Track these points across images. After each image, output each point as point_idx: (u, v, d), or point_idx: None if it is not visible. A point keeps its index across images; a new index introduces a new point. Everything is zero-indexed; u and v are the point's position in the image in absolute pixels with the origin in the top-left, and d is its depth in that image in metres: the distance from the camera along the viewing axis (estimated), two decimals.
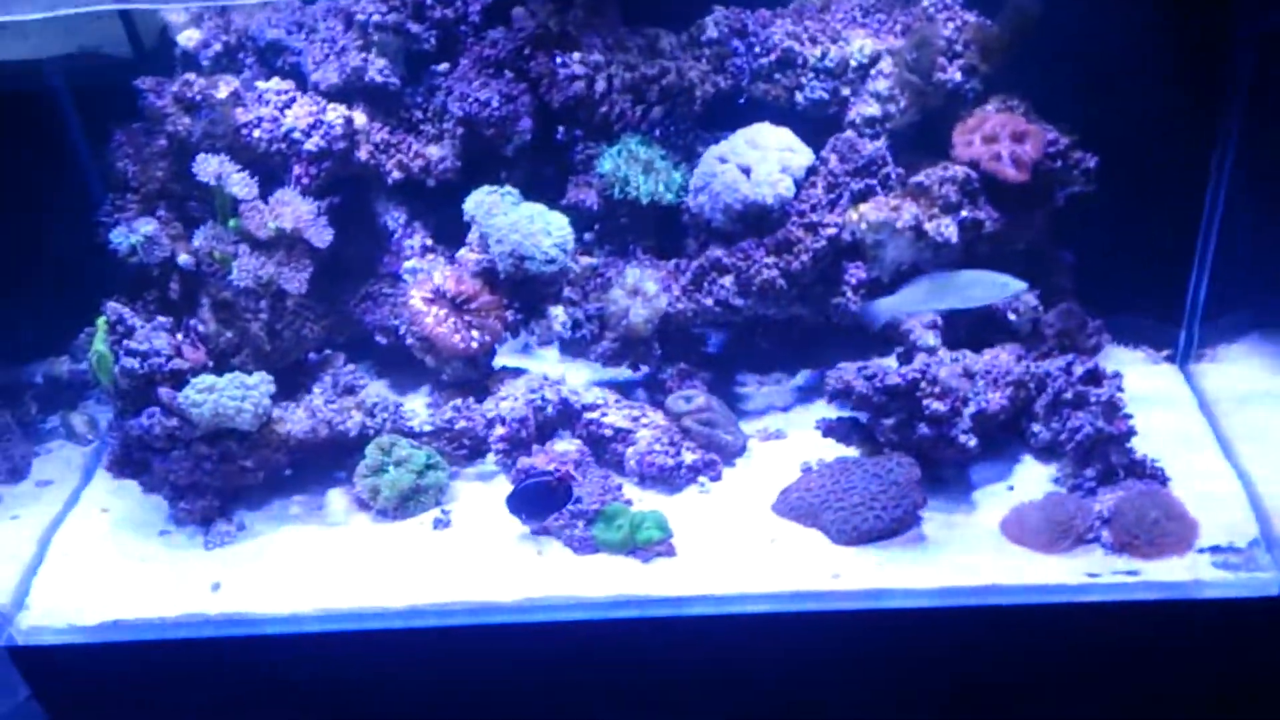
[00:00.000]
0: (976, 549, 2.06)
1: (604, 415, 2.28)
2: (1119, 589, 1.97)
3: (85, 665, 2.14)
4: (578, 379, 2.52)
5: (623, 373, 2.53)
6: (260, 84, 2.24)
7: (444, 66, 2.42)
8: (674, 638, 2.07)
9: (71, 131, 2.48)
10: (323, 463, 2.37)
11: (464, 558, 2.16)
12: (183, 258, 2.19)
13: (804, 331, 2.48)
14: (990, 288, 2.04)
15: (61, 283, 2.56)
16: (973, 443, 2.07)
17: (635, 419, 2.28)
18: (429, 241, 2.50)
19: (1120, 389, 2.06)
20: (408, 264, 2.45)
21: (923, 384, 2.03)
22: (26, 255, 2.54)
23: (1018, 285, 2.07)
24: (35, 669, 2.16)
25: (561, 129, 2.48)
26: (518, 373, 2.43)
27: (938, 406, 2.03)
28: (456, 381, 2.42)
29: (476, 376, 2.41)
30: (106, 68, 2.46)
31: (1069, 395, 2.07)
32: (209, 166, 2.12)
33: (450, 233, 2.57)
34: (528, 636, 2.08)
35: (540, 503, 2.17)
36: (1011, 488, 2.17)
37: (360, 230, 2.40)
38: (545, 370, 2.53)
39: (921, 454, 2.11)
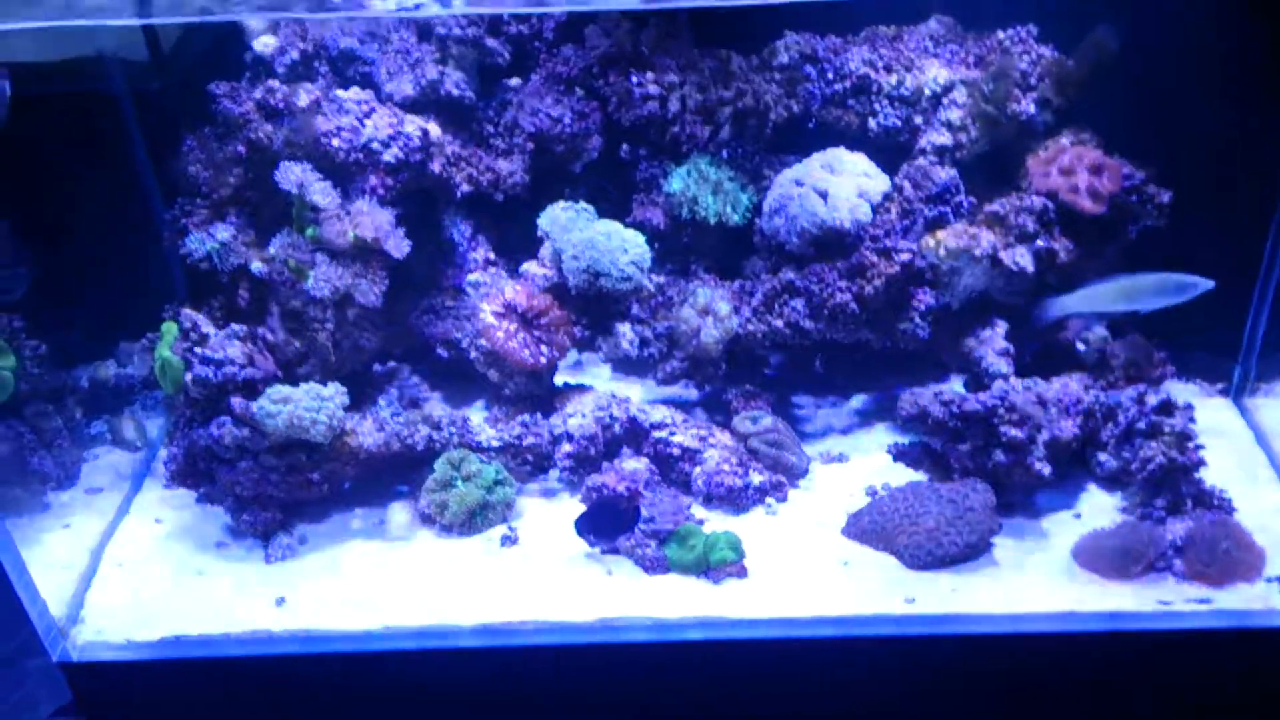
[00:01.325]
0: (1049, 575, 2.10)
1: (672, 434, 2.29)
2: (1192, 617, 2.01)
3: (142, 682, 2.12)
4: (633, 397, 2.53)
5: (680, 391, 2.56)
6: (341, 93, 2.25)
7: (516, 81, 2.45)
8: (746, 660, 2.08)
9: (130, 133, 2.46)
10: (384, 476, 2.37)
11: (533, 576, 2.17)
12: (256, 265, 2.18)
13: (863, 355, 2.50)
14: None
15: (107, 285, 2.53)
16: (1047, 470, 2.10)
17: (703, 439, 2.30)
18: (491, 255, 2.51)
19: (1192, 420, 2.11)
20: (471, 276, 2.46)
21: (1000, 410, 2.07)
22: (73, 257, 2.52)
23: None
24: (89, 685, 2.14)
25: (626, 147, 2.50)
26: (582, 389, 2.45)
27: (1015, 433, 2.06)
28: (518, 396, 2.43)
29: (539, 392, 2.42)
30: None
31: (1142, 425, 2.11)
32: (292, 174, 2.12)
33: (510, 246, 2.60)
34: (600, 656, 2.09)
35: (609, 523, 2.18)
36: (1079, 515, 2.21)
37: (423, 241, 2.40)
38: (598, 386, 2.55)
39: (993, 480, 2.14)
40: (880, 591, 2.08)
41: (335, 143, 2.22)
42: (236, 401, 2.11)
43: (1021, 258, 2.15)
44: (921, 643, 2.05)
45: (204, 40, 2.40)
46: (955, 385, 2.51)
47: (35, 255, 2.37)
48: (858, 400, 2.58)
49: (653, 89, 2.34)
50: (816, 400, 2.59)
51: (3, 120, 1.98)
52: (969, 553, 2.10)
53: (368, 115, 2.24)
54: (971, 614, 2.03)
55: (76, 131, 2.40)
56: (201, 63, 2.42)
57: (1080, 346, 2.27)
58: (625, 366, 2.67)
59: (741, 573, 2.13)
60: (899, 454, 2.27)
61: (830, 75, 2.38)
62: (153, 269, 2.60)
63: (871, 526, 2.16)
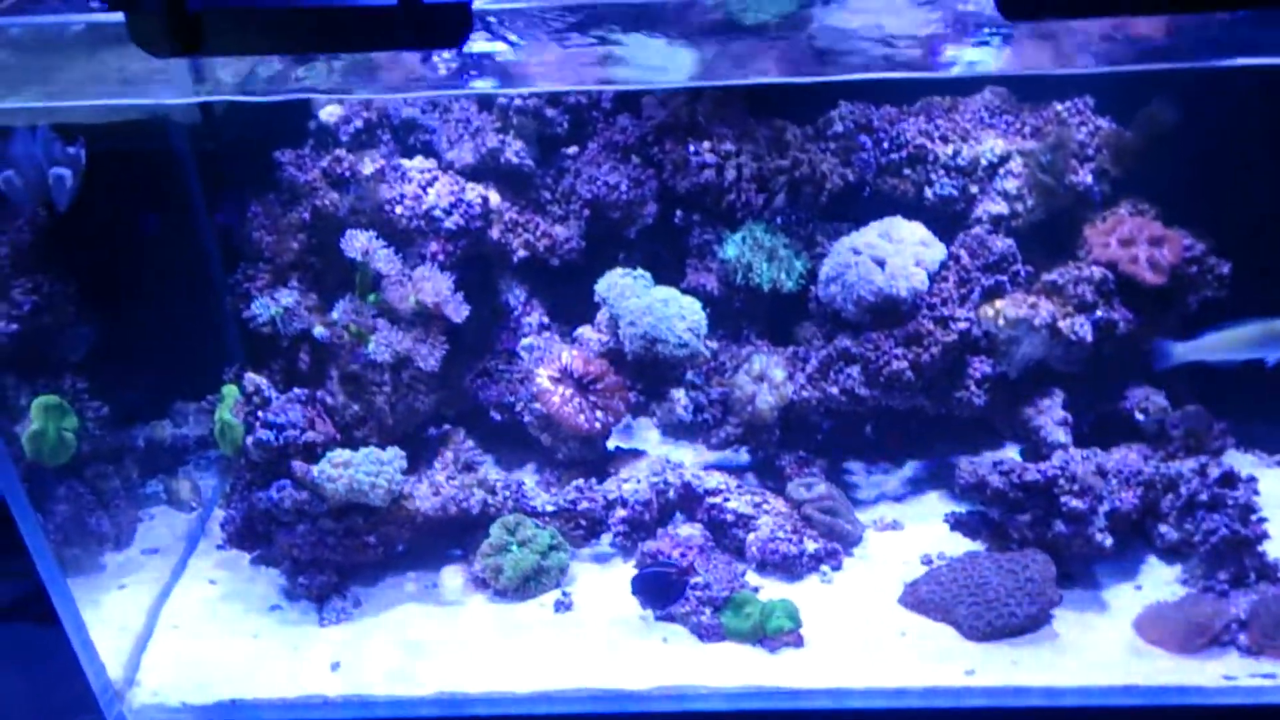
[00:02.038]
0: (1111, 648, 2.08)
1: (726, 500, 2.30)
2: (1258, 692, 1.99)
3: None
4: (683, 462, 2.53)
5: (731, 456, 2.57)
6: (405, 162, 2.30)
7: (573, 150, 2.50)
8: None
9: (191, 196, 2.52)
10: (436, 539, 2.38)
11: (588, 642, 2.18)
12: (318, 330, 2.22)
13: (916, 422, 2.51)
14: None
15: (163, 346, 2.57)
16: (1109, 542, 2.10)
17: (757, 505, 2.31)
18: (545, 319, 2.55)
19: (1256, 492, 2.10)
20: (525, 341, 2.49)
21: (1061, 480, 2.07)
22: (131, 317, 2.56)
23: None
24: None
25: (680, 213, 2.54)
26: (635, 454, 2.46)
27: (1076, 504, 2.06)
28: (571, 461, 2.44)
29: (592, 457, 2.45)
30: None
31: (1204, 497, 2.10)
32: (357, 241, 2.17)
33: (564, 311, 2.64)
34: None
35: (660, 590, 2.18)
36: (1139, 587, 2.20)
37: (478, 306, 2.44)
38: (648, 451, 2.57)
39: (1052, 551, 2.13)
40: (939, 662, 2.07)
41: (398, 210, 2.27)
42: (297, 465, 2.14)
43: (1081, 327, 2.16)
44: (982, 715, 2.03)
45: (267, 106, 2.46)
46: (1009, 453, 2.51)
47: (95, 315, 2.42)
48: (909, 467, 2.59)
49: (709, 157, 2.38)
50: (868, 467, 2.60)
51: (77, 187, 2.03)
52: (1029, 624, 2.09)
53: (430, 183, 2.29)
54: (1034, 686, 2.01)
55: (138, 193, 2.46)
56: (264, 127, 2.48)
57: (1140, 416, 2.27)
58: (674, 431, 2.69)
59: (798, 641, 2.12)
60: (956, 523, 2.27)
61: (886, 145, 2.43)
62: (208, 330, 2.65)
63: (930, 596, 2.15)
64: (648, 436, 2.70)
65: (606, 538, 2.39)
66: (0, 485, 1.83)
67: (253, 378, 2.13)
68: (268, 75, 1.72)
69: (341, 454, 2.13)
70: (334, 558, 2.22)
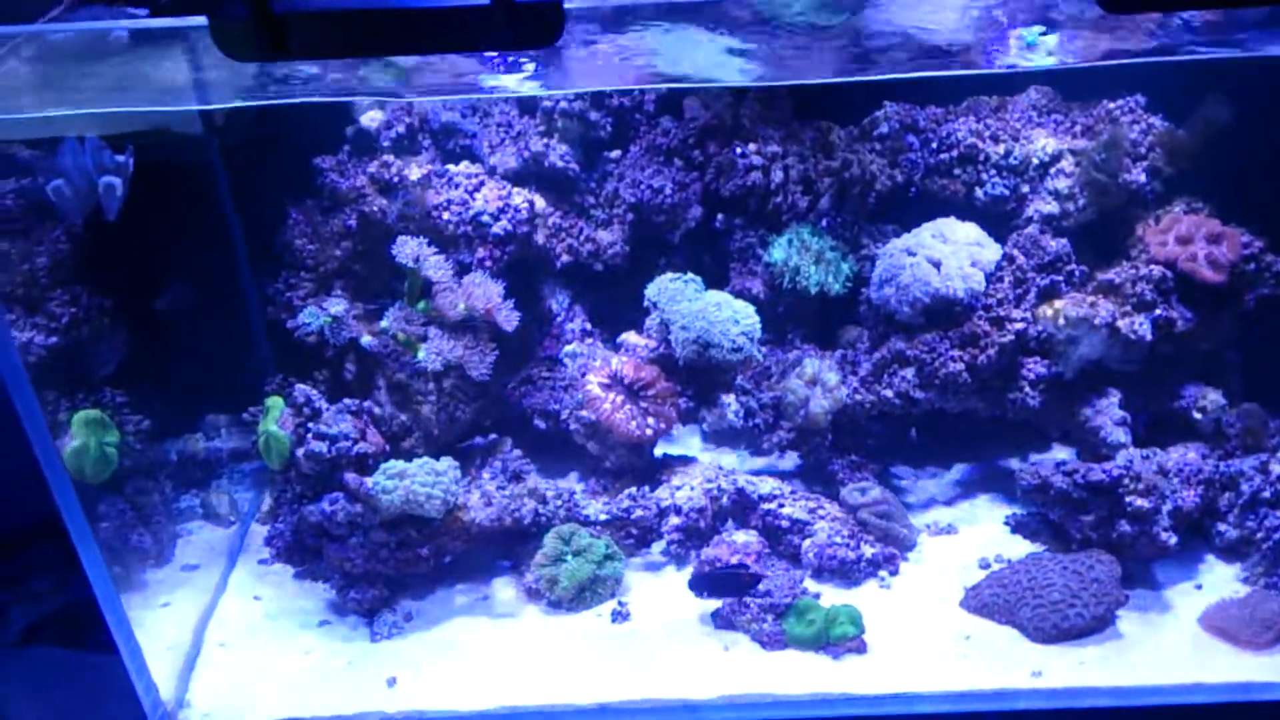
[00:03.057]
0: (1177, 646, 2.09)
1: (781, 506, 2.29)
2: None
3: None
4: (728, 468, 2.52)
5: (777, 462, 2.55)
6: (451, 167, 2.27)
7: (616, 153, 2.48)
8: None
9: (221, 206, 2.47)
10: (484, 550, 2.35)
11: (649, 652, 2.16)
12: (366, 339, 2.19)
13: (964, 425, 2.50)
14: None
15: (194, 358, 2.53)
16: (1173, 540, 2.10)
17: (812, 510, 2.29)
18: (588, 325, 2.53)
19: None
20: (568, 348, 2.47)
21: (1126, 480, 2.07)
22: (161, 329, 2.52)
23: None
24: None
25: (721, 217, 2.52)
26: (685, 460, 2.44)
27: (1141, 503, 2.07)
28: (619, 469, 2.42)
29: (640, 464, 2.42)
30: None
31: (1266, 494, 2.10)
32: (408, 248, 2.14)
33: (605, 317, 2.62)
34: None
35: (729, 585, 2.16)
36: (1200, 586, 2.21)
37: (521, 312, 2.41)
38: (695, 458, 2.55)
39: (1114, 551, 2.13)
40: (1005, 665, 2.07)
41: (445, 215, 2.24)
42: (351, 477, 2.10)
43: (1140, 326, 2.16)
44: (1052, 717, 2.02)
45: (301, 114, 2.43)
46: (1057, 455, 2.52)
47: (127, 328, 2.37)
48: (957, 471, 2.59)
49: (756, 159, 2.37)
50: (916, 471, 2.59)
51: (124, 195, 1.98)
52: (1095, 625, 2.09)
53: (477, 188, 2.27)
54: (1103, 687, 2.01)
55: (170, 204, 2.42)
56: (297, 135, 2.45)
57: (1196, 415, 2.27)
58: (716, 438, 2.68)
59: (861, 648, 2.11)
60: (1017, 525, 2.28)
61: (935, 145, 2.43)
62: (239, 342, 2.61)
63: (993, 599, 2.14)
64: (691, 443, 2.68)
65: (658, 546, 2.37)
66: (58, 502, 1.79)
67: (303, 388, 2.10)
68: (330, 76, 1.70)
69: (396, 465, 2.10)
70: (386, 571, 2.19)
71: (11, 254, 2.11)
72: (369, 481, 2.10)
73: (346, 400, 2.15)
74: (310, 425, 2.12)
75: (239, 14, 1.32)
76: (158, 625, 2.28)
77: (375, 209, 2.24)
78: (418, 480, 2.09)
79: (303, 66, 1.79)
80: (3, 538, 2.39)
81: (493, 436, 2.42)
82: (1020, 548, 2.31)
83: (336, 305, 2.17)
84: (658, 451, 2.53)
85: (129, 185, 2.00)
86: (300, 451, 2.12)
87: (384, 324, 2.19)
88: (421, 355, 2.20)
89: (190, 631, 2.24)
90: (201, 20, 1.39)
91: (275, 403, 2.25)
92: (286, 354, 2.43)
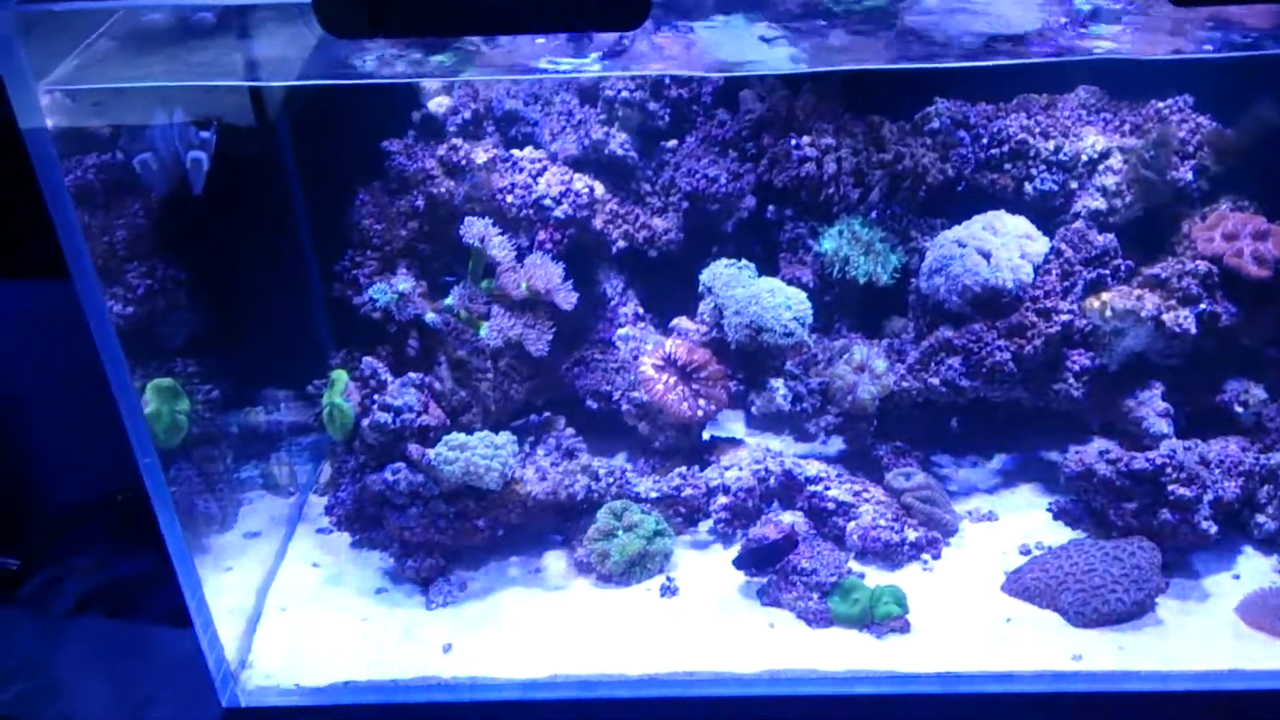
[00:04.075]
0: (1216, 634, 2.13)
1: (827, 488, 2.34)
2: None
3: None
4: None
5: (820, 448, 2.60)
6: (516, 152, 2.34)
7: (673, 143, 2.53)
8: (912, 716, 2.10)
9: (288, 183, 2.54)
10: (536, 524, 2.41)
11: (695, 626, 2.22)
12: (430, 316, 2.25)
13: (1003, 415, 2.55)
14: None
15: (255, 331, 2.59)
16: (1214, 530, 2.15)
17: (857, 493, 2.34)
18: (640, 309, 2.59)
19: None
20: (621, 331, 2.53)
21: (1169, 469, 2.11)
22: (225, 302, 2.59)
23: None
24: None
25: (772, 207, 2.57)
26: (732, 442, 2.49)
27: (1183, 492, 2.11)
28: (668, 449, 2.47)
29: (688, 445, 2.48)
30: None
31: None
32: (475, 228, 2.21)
33: (656, 302, 2.68)
34: (766, 709, 2.11)
35: (767, 555, 2.22)
36: (1237, 576, 2.25)
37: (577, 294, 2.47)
38: (743, 440, 2.60)
39: (1155, 539, 2.17)
40: (1046, 648, 2.12)
41: (509, 199, 2.31)
42: (413, 448, 2.17)
43: (1185, 320, 2.21)
44: (1091, 700, 2.06)
45: (371, 98, 2.50)
46: (1099, 446, 2.54)
47: (197, 301, 2.44)
48: (998, 460, 2.64)
49: (810, 151, 2.42)
50: (957, 460, 2.64)
51: (208, 170, 2.05)
52: (1135, 610, 2.14)
53: (540, 173, 2.34)
54: (1142, 671, 2.06)
55: (239, 182, 2.49)
56: (366, 118, 2.51)
57: (1238, 409, 2.31)
58: (762, 422, 2.72)
59: (905, 627, 2.16)
60: (1059, 512, 2.33)
61: (986, 140, 2.48)
62: (300, 317, 2.67)
63: (1034, 583, 2.19)
64: (734, 427, 2.73)
65: (705, 525, 2.43)
66: (141, 466, 1.86)
67: (370, 361, 2.17)
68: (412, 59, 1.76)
69: (457, 437, 2.17)
70: (443, 540, 2.25)
71: (92, 227, 2.18)
72: (431, 453, 2.17)
73: (410, 374, 2.22)
74: (375, 397, 2.18)
75: None
76: (221, 589, 2.34)
77: (442, 190, 2.31)
78: (478, 453, 2.16)
79: (377, 49, 1.86)
80: (86, 501, 2.49)
81: (546, 415, 2.48)
82: (1061, 535, 2.35)
83: (403, 282, 2.24)
84: (705, 434, 2.59)
85: (212, 161, 2.07)
86: (365, 422, 2.19)
87: (448, 301, 2.26)
88: (484, 332, 2.26)
89: (252, 595, 2.32)
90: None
91: (340, 376, 2.32)
92: (349, 330, 2.50)
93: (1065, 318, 2.29)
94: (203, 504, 2.38)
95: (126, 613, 2.28)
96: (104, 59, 1.85)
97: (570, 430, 2.45)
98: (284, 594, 2.35)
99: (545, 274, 2.26)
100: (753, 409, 2.51)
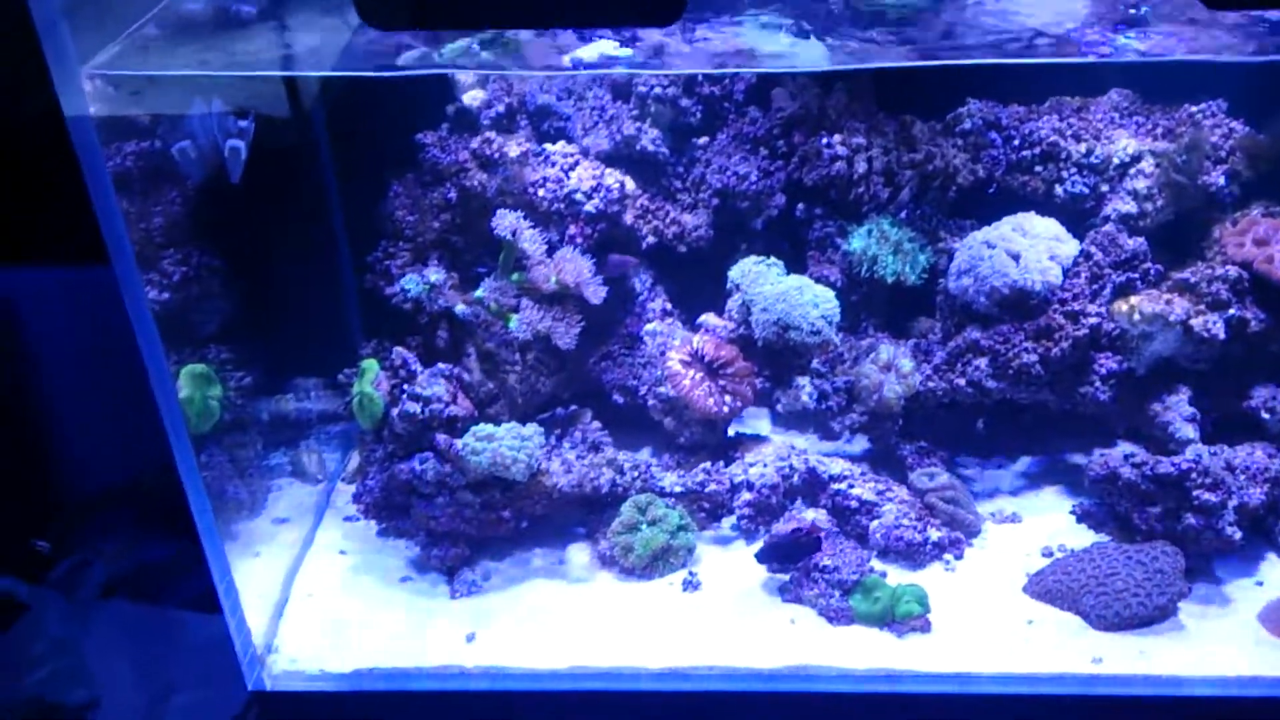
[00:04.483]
0: (1237, 640, 2.13)
1: (851, 487, 2.35)
2: None
3: (335, 713, 2.17)
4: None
5: (845, 446, 2.61)
6: (549, 146, 2.36)
7: (704, 140, 2.55)
8: (931, 715, 2.10)
9: (323, 173, 2.57)
10: (559, 517, 2.42)
11: (717, 621, 2.23)
12: (460, 307, 2.28)
13: (1029, 417, 2.55)
14: None
15: (286, 321, 2.62)
16: (1238, 535, 2.15)
17: (880, 492, 2.35)
18: (668, 305, 2.60)
19: None
20: (649, 326, 2.55)
21: (1194, 474, 2.11)
22: (258, 291, 2.62)
23: None
24: (283, 715, 2.18)
25: (801, 206, 2.58)
26: (757, 439, 2.51)
27: (1208, 497, 2.10)
28: (693, 445, 2.49)
29: (713, 441, 2.49)
30: None
31: None
32: (506, 221, 2.23)
33: (684, 298, 2.70)
34: (786, 705, 2.12)
35: (791, 550, 2.23)
36: (1260, 583, 2.24)
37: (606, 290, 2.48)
38: (768, 437, 2.62)
39: (1178, 544, 2.17)
40: (1067, 650, 2.12)
41: (541, 192, 2.33)
42: (441, 438, 2.19)
43: (1214, 325, 2.20)
44: (1111, 703, 2.07)
45: (407, 90, 2.52)
46: (1124, 450, 2.53)
47: (231, 289, 2.47)
48: (1023, 463, 2.64)
49: (840, 150, 2.43)
50: (981, 461, 2.64)
51: (244, 160, 2.08)
52: (1157, 615, 2.14)
53: (572, 167, 2.36)
54: (1164, 675, 2.06)
55: (275, 171, 2.51)
56: (400, 110, 2.53)
57: (1266, 415, 2.30)
58: (787, 419, 2.73)
59: (925, 627, 2.17)
60: (1083, 515, 2.33)
61: (1017, 142, 2.48)
62: (330, 307, 2.70)
63: (1056, 585, 2.19)
64: (759, 425, 2.74)
65: (728, 521, 2.44)
66: (175, 451, 1.89)
67: (401, 351, 2.19)
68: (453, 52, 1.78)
69: (485, 428, 2.19)
70: (469, 530, 2.27)
71: (130, 214, 2.21)
72: (459, 443, 2.19)
73: (440, 365, 2.24)
74: (405, 387, 2.21)
75: None
76: (249, 573, 2.37)
77: (475, 183, 2.33)
78: (505, 444, 2.18)
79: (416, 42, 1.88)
80: (117, 485, 2.52)
81: (573, 408, 2.50)
82: (1084, 538, 2.35)
83: (435, 274, 2.26)
84: (730, 430, 2.60)
85: (250, 150, 2.10)
86: (394, 412, 2.21)
87: (478, 293, 2.28)
88: (513, 325, 2.28)
89: (279, 581, 2.35)
90: None
91: (370, 365, 2.35)
92: (380, 320, 2.53)
93: (1093, 320, 2.29)
94: (233, 489, 2.41)
95: (155, 597, 2.32)
96: (146, 46, 1.89)
97: (596, 424, 2.46)
98: (311, 580, 2.38)
99: (575, 268, 2.28)
100: (778, 406, 2.53)
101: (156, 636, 2.36)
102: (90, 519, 2.62)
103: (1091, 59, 1.88)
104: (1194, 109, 2.45)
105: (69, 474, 2.77)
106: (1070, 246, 2.33)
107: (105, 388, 2.64)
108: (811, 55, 1.95)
